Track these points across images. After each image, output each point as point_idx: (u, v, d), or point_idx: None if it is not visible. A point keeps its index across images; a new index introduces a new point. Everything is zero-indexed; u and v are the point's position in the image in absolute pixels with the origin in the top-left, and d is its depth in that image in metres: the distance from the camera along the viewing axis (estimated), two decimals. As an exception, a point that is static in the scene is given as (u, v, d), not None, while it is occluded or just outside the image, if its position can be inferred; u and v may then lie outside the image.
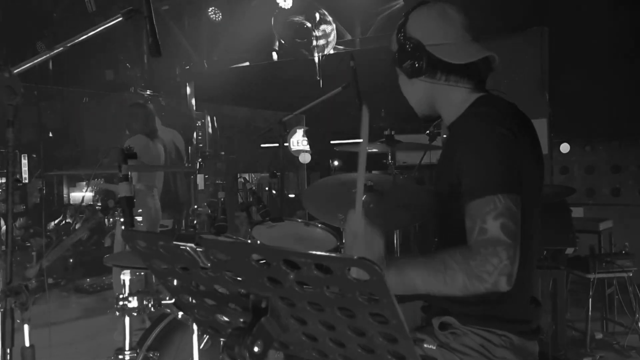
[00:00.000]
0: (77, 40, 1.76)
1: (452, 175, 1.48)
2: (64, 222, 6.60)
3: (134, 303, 2.05)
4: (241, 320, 1.09)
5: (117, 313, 2.06)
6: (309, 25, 5.75)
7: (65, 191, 7.50)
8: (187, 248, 0.99)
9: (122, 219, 2.02)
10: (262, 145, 8.55)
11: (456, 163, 1.46)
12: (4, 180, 1.70)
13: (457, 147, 1.47)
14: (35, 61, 1.68)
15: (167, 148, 4.94)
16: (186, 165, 6.08)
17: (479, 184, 1.35)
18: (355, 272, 0.81)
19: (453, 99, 1.57)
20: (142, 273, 2.39)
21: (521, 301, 1.49)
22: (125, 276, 2.08)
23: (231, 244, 0.98)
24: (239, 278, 1.00)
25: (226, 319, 1.15)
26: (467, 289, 1.26)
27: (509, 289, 1.26)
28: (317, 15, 5.76)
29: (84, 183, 7.12)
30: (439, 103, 1.61)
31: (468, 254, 1.28)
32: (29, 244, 5.90)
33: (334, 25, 5.96)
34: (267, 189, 8.48)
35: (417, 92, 1.63)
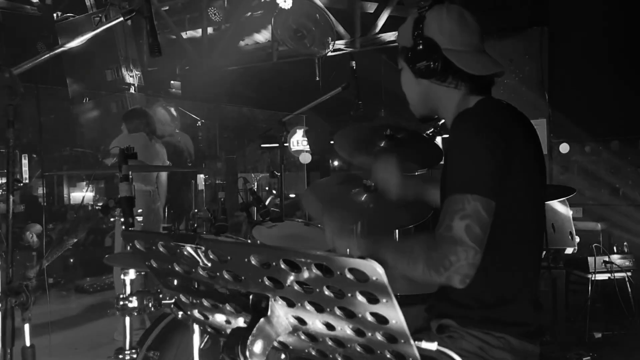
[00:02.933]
0: (77, 40, 1.76)
1: None
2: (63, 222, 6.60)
3: (134, 303, 2.05)
4: (241, 320, 1.09)
5: (117, 313, 2.06)
6: (309, 24, 5.75)
7: (65, 191, 7.50)
8: (187, 248, 0.99)
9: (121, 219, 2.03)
10: (262, 145, 8.55)
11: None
12: (4, 180, 1.70)
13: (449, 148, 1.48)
14: (35, 61, 1.69)
15: (185, 150, 5.20)
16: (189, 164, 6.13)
17: (454, 182, 1.37)
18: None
19: (456, 102, 1.55)
20: (142, 273, 2.38)
21: (521, 304, 1.48)
22: (126, 276, 2.08)
23: (231, 244, 0.98)
24: (239, 278, 1.00)
25: (226, 318, 1.15)
26: (425, 275, 1.33)
27: (463, 287, 1.30)
28: (317, 16, 5.76)
29: (84, 183, 7.12)
30: (442, 105, 1.58)
31: (432, 245, 1.33)
32: (27, 244, 5.88)
33: (334, 26, 5.96)
34: (267, 188, 8.48)
35: (421, 92, 1.59)
